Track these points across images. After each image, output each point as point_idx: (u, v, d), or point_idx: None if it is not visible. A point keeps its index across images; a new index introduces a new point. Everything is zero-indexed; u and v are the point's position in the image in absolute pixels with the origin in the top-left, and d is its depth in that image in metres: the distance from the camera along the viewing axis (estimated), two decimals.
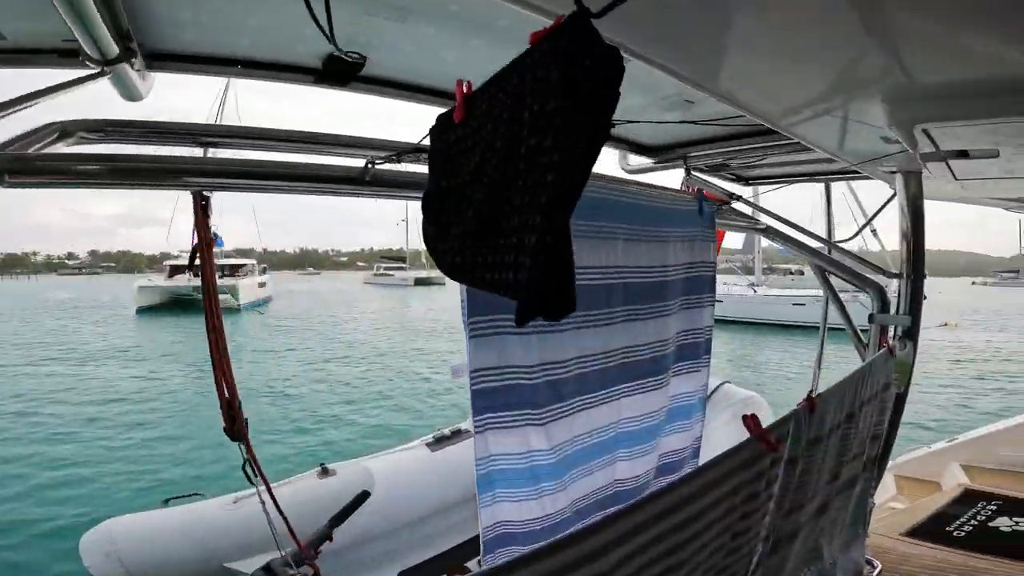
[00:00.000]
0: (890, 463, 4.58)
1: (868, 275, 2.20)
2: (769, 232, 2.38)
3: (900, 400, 1.94)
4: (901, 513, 3.47)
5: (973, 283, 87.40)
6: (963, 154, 1.36)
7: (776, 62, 1.09)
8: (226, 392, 1.55)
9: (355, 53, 1.31)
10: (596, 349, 1.41)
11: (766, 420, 2.76)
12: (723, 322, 21.98)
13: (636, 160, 2.99)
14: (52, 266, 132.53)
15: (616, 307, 1.45)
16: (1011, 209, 2.59)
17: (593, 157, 0.52)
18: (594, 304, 1.39)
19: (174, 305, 29.09)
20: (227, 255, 35.14)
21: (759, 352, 16.25)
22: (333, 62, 1.32)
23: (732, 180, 3.62)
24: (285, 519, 1.77)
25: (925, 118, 1.13)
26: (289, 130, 1.35)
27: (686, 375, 1.81)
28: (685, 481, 0.82)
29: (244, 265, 35.37)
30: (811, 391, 1.12)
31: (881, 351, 1.71)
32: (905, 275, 1.95)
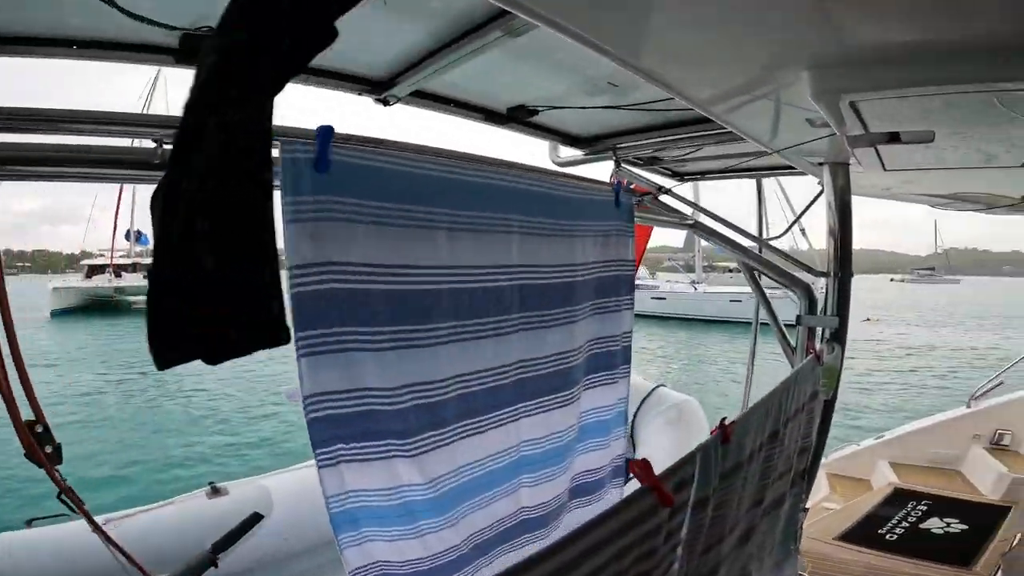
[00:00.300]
0: (822, 460, 4.64)
1: (796, 273, 2.08)
2: (698, 228, 2.23)
3: (828, 407, 1.83)
4: (835, 515, 3.46)
5: (892, 279, 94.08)
6: (895, 138, 1.22)
7: (699, 31, 0.92)
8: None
9: (208, 28, 1.11)
10: (484, 364, 1.18)
11: (700, 427, 2.57)
12: (666, 319, 22.52)
13: (566, 152, 2.83)
14: None
15: (510, 314, 1.22)
16: (936, 206, 2.56)
17: (252, 92, 0.29)
18: (479, 311, 1.15)
19: (92, 307, 27.22)
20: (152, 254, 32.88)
21: (694, 349, 16.73)
22: (191, 40, 1.15)
23: (666, 175, 3.52)
24: (122, 551, 1.58)
25: (851, 88, 0.97)
26: (78, 110, 1.07)
27: (601, 388, 1.60)
28: (553, 551, 0.60)
29: None
30: (724, 419, 0.92)
31: (808, 358, 1.57)
32: (832, 273, 1.83)
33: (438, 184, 1.06)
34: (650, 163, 3.19)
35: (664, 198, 2.67)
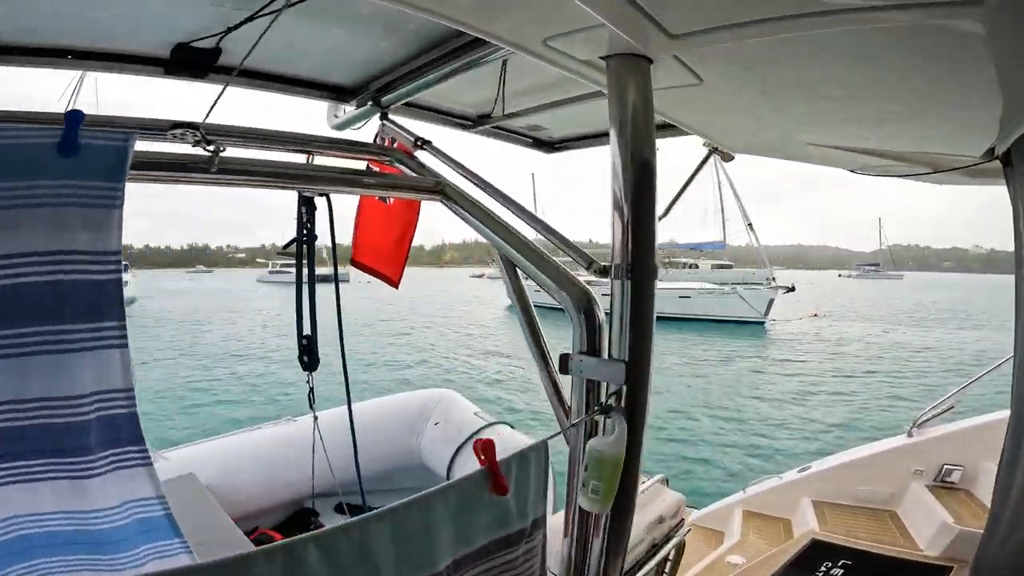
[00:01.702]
0: (740, 495, 3.89)
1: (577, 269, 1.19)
2: (446, 195, 1.34)
3: (617, 523, 0.95)
4: None
5: (840, 275, 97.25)
6: None
7: None
8: None
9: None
10: None
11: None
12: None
13: (344, 110, 2.04)
14: None
15: None
16: (859, 169, 1.81)
17: None
18: None
19: None
20: None
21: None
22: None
23: (530, 145, 2.77)
24: None
25: None
26: None
27: (104, 477, 0.73)
28: None
29: None
30: None
31: (462, 479, 0.69)
32: (617, 273, 0.95)
33: None
34: (479, 122, 2.40)
35: (419, 153, 1.81)
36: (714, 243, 49.36)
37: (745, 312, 19.50)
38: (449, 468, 2.32)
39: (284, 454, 2.18)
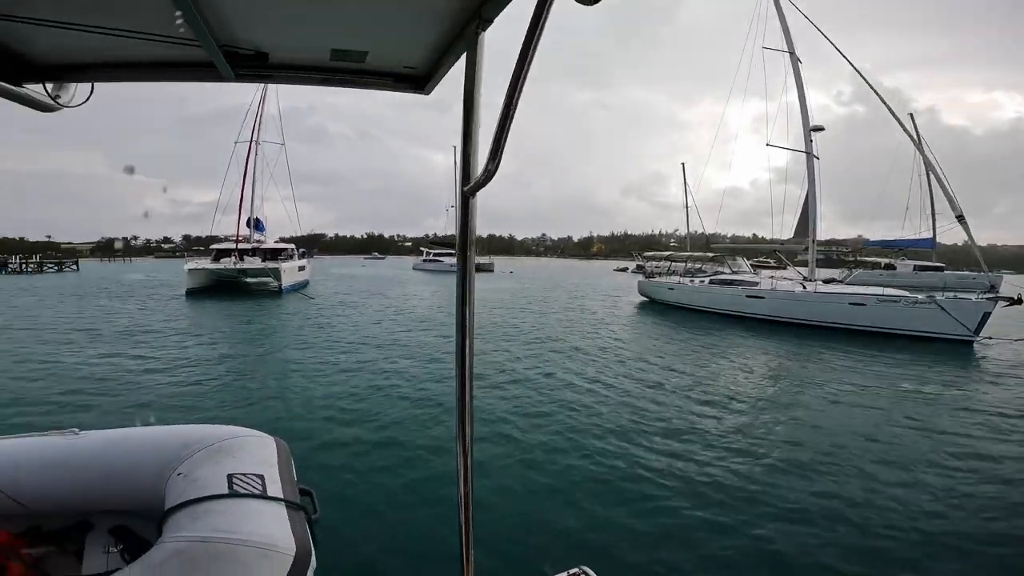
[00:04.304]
0: None
1: None
2: None
3: None
4: None
5: None
6: None
7: None
8: None
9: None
10: None
11: None
12: (765, 322, 18.97)
13: None
14: (150, 250, 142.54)
15: None
16: None
17: None
18: None
19: (219, 287, 30.62)
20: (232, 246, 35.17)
21: (721, 373, 13.30)
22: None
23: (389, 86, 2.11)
24: None
25: None
26: None
27: None
28: None
29: (285, 250, 36.27)
30: None
31: None
32: None
33: None
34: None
35: None
36: (919, 240, 39.76)
37: (944, 327, 15.27)
38: (160, 530, 1.76)
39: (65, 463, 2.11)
